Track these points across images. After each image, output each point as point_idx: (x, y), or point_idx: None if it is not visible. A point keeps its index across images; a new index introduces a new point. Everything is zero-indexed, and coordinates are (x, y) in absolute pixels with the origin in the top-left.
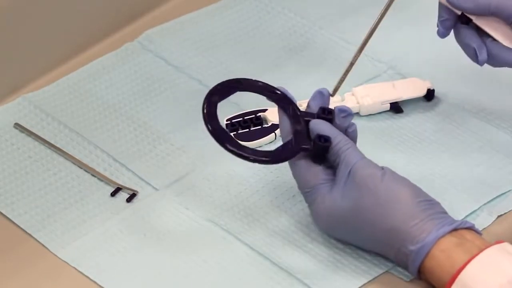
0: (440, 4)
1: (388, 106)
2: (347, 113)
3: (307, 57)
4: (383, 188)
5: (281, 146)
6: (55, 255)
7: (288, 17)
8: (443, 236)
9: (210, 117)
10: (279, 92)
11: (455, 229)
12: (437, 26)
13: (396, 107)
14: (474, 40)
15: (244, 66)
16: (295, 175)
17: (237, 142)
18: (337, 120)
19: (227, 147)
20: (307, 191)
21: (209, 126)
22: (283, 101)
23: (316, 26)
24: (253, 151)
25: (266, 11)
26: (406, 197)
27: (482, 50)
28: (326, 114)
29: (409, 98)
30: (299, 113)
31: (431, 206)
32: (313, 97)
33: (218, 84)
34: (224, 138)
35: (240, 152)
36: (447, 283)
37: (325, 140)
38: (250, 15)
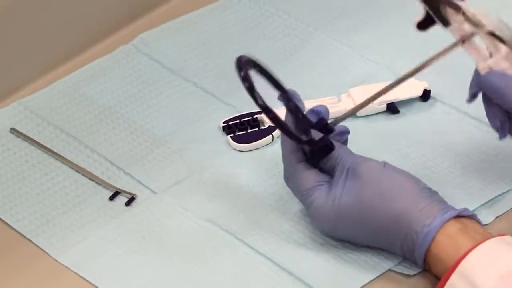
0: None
1: (384, 107)
2: (344, 134)
3: (302, 59)
4: (385, 177)
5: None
6: (56, 260)
7: (282, 18)
8: (448, 220)
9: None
10: (285, 93)
11: (458, 216)
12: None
13: (392, 108)
14: (498, 116)
15: None
16: (290, 179)
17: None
18: (333, 138)
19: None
20: (303, 194)
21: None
22: (288, 100)
23: (310, 27)
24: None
25: (260, 13)
26: (409, 184)
27: (504, 127)
28: (320, 128)
29: (406, 99)
30: (300, 116)
31: (432, 193)
32: (309, 112)
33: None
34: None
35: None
36: (448, 269)
37: (331, 143)
38: (244, 17)
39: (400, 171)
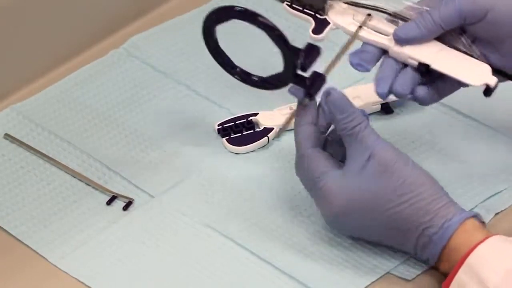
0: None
1: (378, 107)
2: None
3: None
4: (409, 171)
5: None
6: (55, 265)
7: (272, 19)
8: (467, 218)
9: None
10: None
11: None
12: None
13: (386, 108)
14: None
15: None
16: (303, 164)
17: None
18: None
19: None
20: (316, 179)
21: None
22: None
23: (301, 29)
24: None
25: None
26: (430, 181)
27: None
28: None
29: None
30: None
31: (447, 194)
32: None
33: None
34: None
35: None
36: (456, 264)
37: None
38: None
39: (421, 167)
